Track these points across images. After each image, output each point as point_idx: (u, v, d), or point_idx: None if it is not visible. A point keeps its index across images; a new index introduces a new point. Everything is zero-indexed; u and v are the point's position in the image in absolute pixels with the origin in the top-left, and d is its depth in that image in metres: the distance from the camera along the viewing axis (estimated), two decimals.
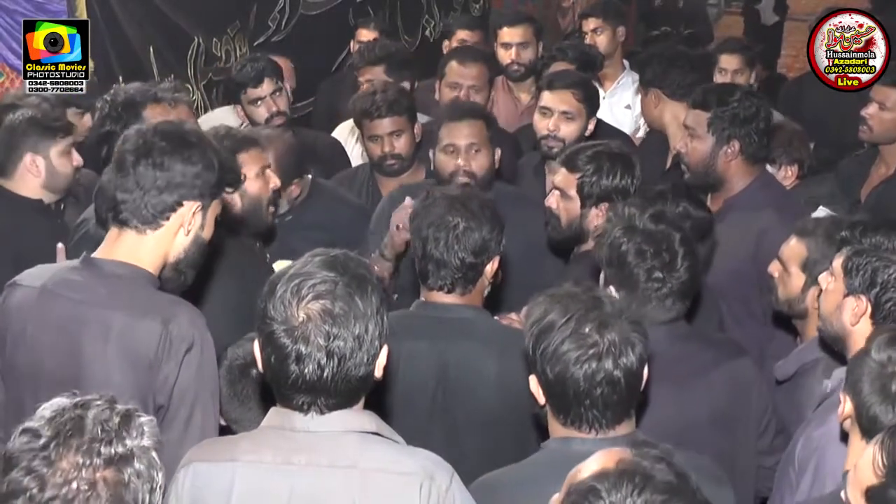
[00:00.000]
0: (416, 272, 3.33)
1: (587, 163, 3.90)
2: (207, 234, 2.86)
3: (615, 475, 1.89)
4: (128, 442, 1.94)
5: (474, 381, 3.15)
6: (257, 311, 2.32)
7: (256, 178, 3.75)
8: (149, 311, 2.73)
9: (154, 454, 1.98)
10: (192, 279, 2.94)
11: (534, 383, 2.55)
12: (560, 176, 3.97)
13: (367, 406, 2.40)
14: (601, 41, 6.41)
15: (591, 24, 6.53)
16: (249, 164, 3.72)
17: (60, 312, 2.78)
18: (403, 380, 3.13)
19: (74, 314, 2.77)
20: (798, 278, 3.50)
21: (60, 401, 1.99)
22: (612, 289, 3.13)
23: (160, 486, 1.99)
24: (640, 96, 6.00)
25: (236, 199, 3.66)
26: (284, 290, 2.28)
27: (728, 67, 6.17)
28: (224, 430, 2.94)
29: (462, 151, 4.24)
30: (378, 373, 2.36)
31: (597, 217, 3.88)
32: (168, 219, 2.77)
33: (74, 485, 1.89)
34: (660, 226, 3.14)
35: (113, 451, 1.92)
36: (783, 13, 10.68)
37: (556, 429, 2.55)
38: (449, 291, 3.26)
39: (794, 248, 3.54)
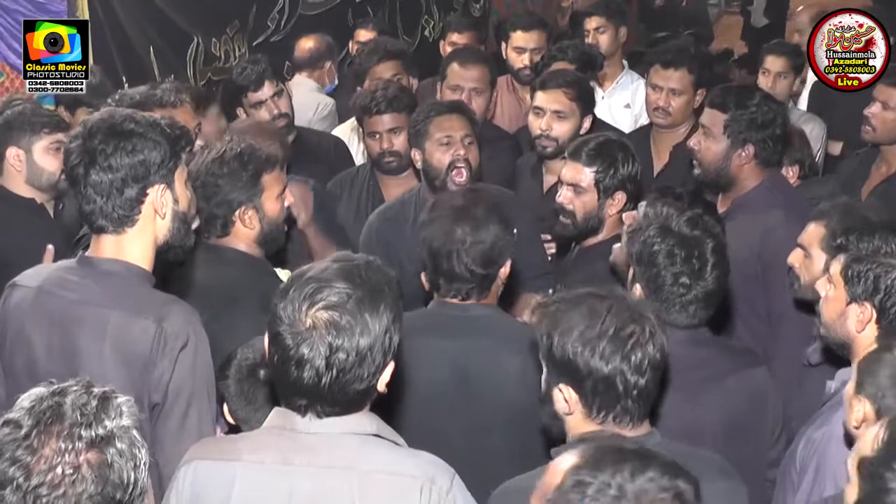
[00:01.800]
0: (428, 283, 3.27)
1: (598, 155, 3.90)
2: (184, 204, 2.85)
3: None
4: (107, 423, 1.97)
5: (496, 378, 3.12)
6: (271, 306, 2.32)
7: (277, 200, 3.66)
8: (143, 310, 2.73)
9: (135, 432, 2.00)
10: (193, 240, 2.95)
11: (566, 392, 2.50)
12: (571, 171, 3.94)
13: (385, 406, 2.39)
14: (603, 41, 6.36)
15: (593, 22, 6.47)
16: (272, 187, 3.64)
17: (56, 311, 2.79)
18: (422, 379, 3.11)
19: (70, 313, 2.77)
20: (821, 259, 3.46)
21: (38, 390, 2.02)
22: (638, 286, 3.13)
23: (144, 463, 2.01)
24: (640, 94, 6.03)
25: (255, 224, 3.61)
26: (298, 293, 2.28)
27: (772, 69, 6.17)
28: (234, 430, 2.94)
29: (458, 142, 4.20)
30: (381, 387, 2.35)
31: (612, 206, 3.90)
32: (140, 212, 2.77)
33: (59, 470, 1.92)
34: (695, 231, 3.11)
35: (94, 433, 1.95)
36: (774, 16, 10.67)
37: (590, 428, 2.52)
38: (464, 300, 3.23)
39: (813, 231, 3.51)
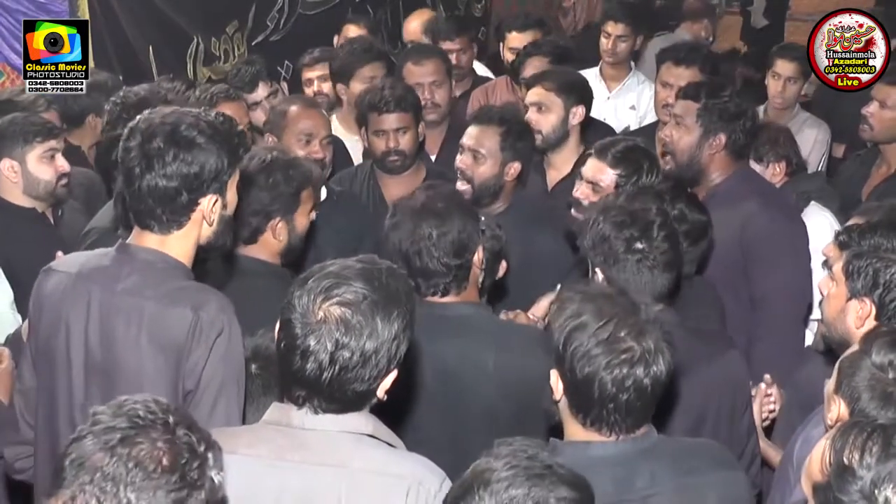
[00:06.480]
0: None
1: (624, 159, 3.92)
2: (231, 208, 2.84)
3: None
4: None
5: (473, 377, 3.12)
6: (287, 294, 2.34)
7: (307, 216, 3.68)
8: (179, 299, 2.73)
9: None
10: (231, 241, 2.95)
11: (554, 377, 2.51)
12: (593, 168, 3.95)
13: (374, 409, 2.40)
14: (622, 49, 6.36)
15: (618, 29, 6.41)
16: (307, 203, 3.66)
17: (94, 299, 2.79)
18: (402, 379, 3.11)
19: (108, 301, 2.78)
20: None
21: None
22: (599, 273, 3.12)
23: None
24: (645, 96, 6.01)
25: (284, 236, 3.61)
26: (315, 284, 2.31)
27: (782, 73, 6.13)
28: None
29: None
30: (380, 394, 2.36)
31: None
32: (189, 218, 2.77)
33: None
34: (635, 204, 3.16)
35: None
36: (774, 16, 10.66)
37: (575, 430, 2.52)
38: (443, 295, 3.24)
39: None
